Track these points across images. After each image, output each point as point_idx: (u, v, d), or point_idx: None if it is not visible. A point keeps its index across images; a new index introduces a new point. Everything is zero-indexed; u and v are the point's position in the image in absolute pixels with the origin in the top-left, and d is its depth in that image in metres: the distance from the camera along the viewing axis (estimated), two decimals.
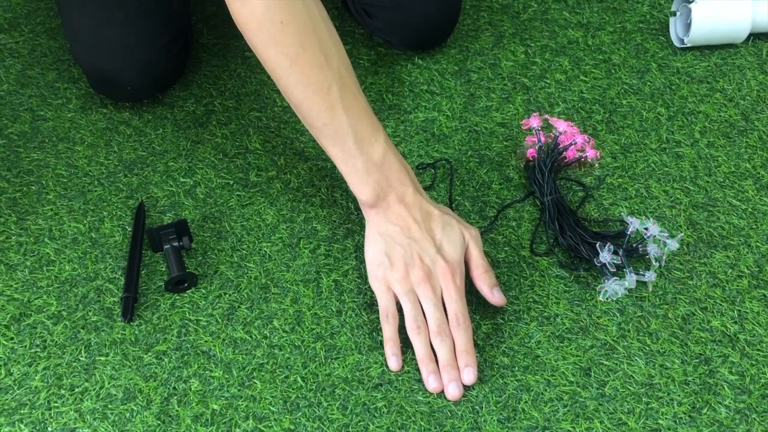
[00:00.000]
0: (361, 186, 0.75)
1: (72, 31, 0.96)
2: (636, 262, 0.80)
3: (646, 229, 0.79)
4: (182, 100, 1.01)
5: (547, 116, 0.96)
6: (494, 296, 0.75)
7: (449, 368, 0.71)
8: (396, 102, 0.99)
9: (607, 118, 0.97)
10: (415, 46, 1.04)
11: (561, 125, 0.92)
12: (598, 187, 0.88)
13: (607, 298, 0.78)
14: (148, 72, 0.96)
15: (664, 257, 0.79)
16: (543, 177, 0.86)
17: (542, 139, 0.91)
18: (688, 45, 1.04)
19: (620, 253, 0.77)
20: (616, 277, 0.77)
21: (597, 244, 0.78)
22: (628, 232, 0.79)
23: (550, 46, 1.06)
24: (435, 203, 0.78)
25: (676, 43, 1.06)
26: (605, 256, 0.77)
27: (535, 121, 0.93)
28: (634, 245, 0.79)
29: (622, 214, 0.85)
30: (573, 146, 0.91)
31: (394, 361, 0.73)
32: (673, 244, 0.79)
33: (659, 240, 0.79)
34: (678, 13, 1.06)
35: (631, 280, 0.77)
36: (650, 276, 0.78)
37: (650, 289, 0.78)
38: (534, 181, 0.87)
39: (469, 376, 0.71)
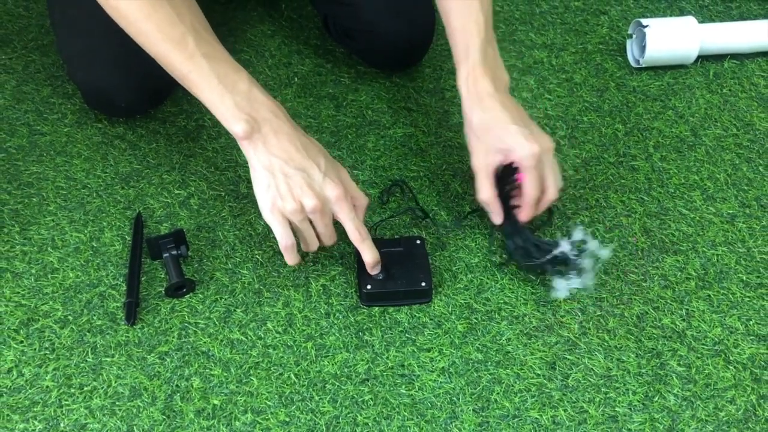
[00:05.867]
0: (234, 121, 0.78)
1: (66, 49, 1.01)
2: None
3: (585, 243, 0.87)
4: (173, 115, 1.07)
5: None
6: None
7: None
8: (376, 118, 1.07)
9: (570, 134, 1.05)
10: (393, 67, 1.11)
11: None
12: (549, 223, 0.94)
13: (559, 295, 0.85)
14: (142, 88, 1.01)
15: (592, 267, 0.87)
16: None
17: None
18: (643, 65, 1.13)
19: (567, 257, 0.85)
20: (561, 277, 0.85)
21: (557, 238, 0.85)
22: (557, 252, 0.85)
23: (517, 65, 1.14)
24: (310, 137, 0.82)
25: (633, 64, 1.15)
26: (565, 245, 0.83)
27: None
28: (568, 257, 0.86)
29: (557, 236, 0.90)
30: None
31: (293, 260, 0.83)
32: (605, 252, 0.87)
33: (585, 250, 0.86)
34: (634, 36, 1.15)
35: (582, 279, 0.85)
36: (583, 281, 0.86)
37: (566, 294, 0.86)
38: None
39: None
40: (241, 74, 0.80)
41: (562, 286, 0.85)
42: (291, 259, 0.82)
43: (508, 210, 0.87)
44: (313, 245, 0.83)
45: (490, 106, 0.84)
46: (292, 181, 0.79)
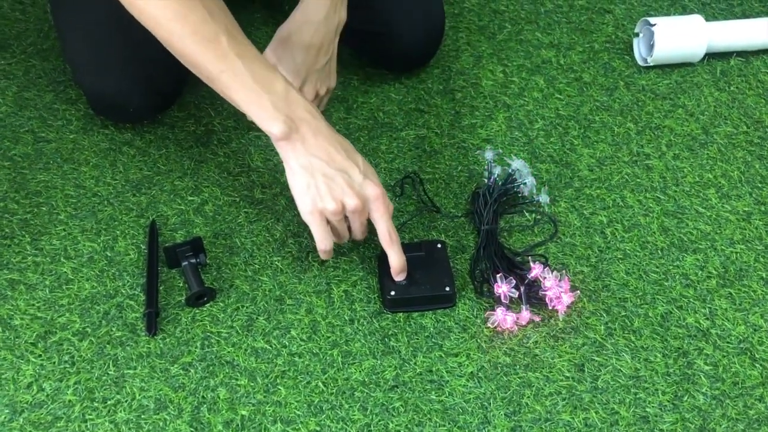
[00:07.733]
0: (271, 122, 0.77)
1: (73, 55, 0.99)
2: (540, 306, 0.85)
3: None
4: (182, 120, 1.05)
5: (500, 151, 1.01)
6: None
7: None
8: (387, 120, 1.06)
9: (582, 133, 1.05)
10: (403, 68, 1.10)
11: (517, 164, 0.95)
12: (551, 239, 0.92)
13: (494, 326, 0.83)
14: (151, 93, 0.99)
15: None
16: (485, 206, 0.91)
17: (496, 171, 0.94)
18: (651, 64, 1.13)
19: (521, 288, 0.83)
20: (503, 308, 0.82)
21: (498, 276, 0.83)
22: (530, 276, 0.84)
23: (525, 65, 1.14)
24: (344, 138, 0.82)
25: (640, 62, 1.15)
26: (503, 287, 0.82)
27: (489, 155, 0.96)
28: (534, 287, 0.84)
29: (529, 258, 0.88)
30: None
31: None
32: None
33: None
34: (641, 35, 1.15)
35: (524, 316, 0.82)
36: (535, 316, 0.83)
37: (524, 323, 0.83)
38: (476, 209, 0.92)
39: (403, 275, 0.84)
40: (277, 74, 0.79)
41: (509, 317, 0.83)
42: (326, 256, 0.84)
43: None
44: (344, 238, 0.85)
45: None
46: (333, 182, 0.79)
